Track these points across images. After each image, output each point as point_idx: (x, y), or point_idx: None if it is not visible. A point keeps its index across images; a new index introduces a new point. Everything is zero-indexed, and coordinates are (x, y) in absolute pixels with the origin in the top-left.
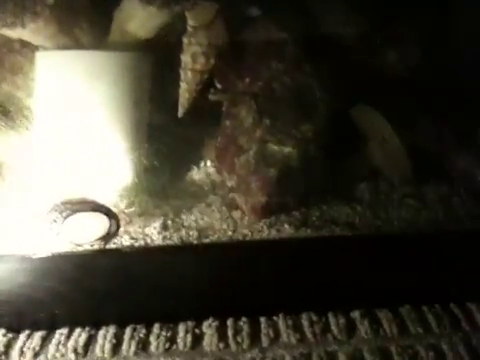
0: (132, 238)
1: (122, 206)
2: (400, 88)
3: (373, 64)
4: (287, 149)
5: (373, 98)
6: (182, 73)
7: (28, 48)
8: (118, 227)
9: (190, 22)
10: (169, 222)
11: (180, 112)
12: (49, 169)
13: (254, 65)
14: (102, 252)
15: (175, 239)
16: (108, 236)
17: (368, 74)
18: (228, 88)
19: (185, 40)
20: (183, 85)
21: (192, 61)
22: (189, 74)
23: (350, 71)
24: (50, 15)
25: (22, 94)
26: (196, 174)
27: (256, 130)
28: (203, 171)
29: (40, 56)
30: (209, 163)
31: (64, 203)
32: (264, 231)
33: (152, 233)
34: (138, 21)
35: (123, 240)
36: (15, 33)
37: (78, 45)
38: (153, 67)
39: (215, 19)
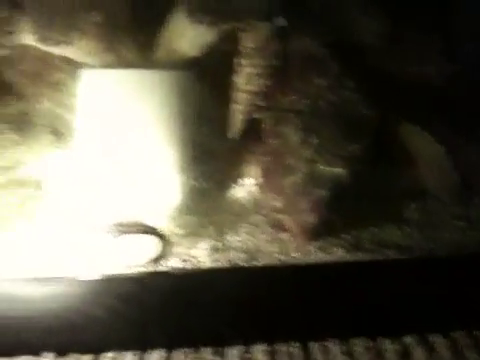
0: (180, 260)
1: (170, 227)
2: (441, 103)
3: (413, 77)
4: (337, 169)
5: (416, 114)
6: (235, 94)
7: (70, 64)
8: (168, 249)
9: (245, 43)
10: (216, 243)
11: (233, 133)
12: (96, 190)
13: (297, 81)
14: (151, 275)
15: (223, 261)
16: (158, 258)
17: (409, 88)
18: (272, 105)
19: (239, 61)
20: (236, 106)
21: (246, 82)
22: (242, 95)
23: (391, 85)
24: (97, 33)
25: (63, 111)
26: (238, 192)
27: (303, 150)
28: (245, 189)
29: (84, 74)
30: (251, 181)
31: (114, 225)
32: (314, 254)
33: (200, 255)
34: (186, 39)
35: (171, 262)
36: (60, 50)
37: (123, 63)
38: (199, 86)
39: (271, 40)
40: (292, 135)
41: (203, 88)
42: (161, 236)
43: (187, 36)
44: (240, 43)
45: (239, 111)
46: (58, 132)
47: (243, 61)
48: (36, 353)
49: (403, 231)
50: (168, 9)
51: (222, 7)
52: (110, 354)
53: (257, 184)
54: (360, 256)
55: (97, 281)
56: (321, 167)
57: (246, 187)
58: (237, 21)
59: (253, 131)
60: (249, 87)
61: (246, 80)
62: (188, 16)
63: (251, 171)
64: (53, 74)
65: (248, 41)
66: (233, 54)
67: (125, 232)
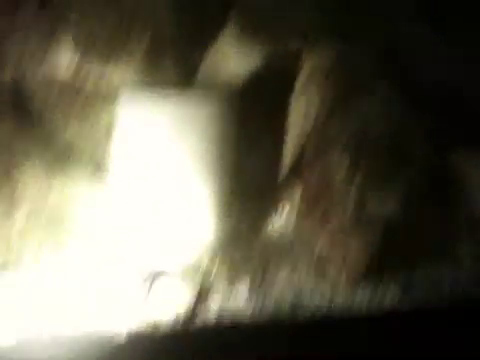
0: (218, 308)
1: (207, 269)
2: None
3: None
4: (389, 207)
5: (474, 142)
6: (289, 120)
7: (107, 87)
8: (205, 295)
9: (308, 63)
10: (255, 290)
11: (284, 163)
12: (129, 232)
13: (342, 106)
14: (184, 332)
15: (265, 312)
16: (194, 306)
17: (464, 113)
18: (318, 133)
19: (298, 84)
20: (290, 133)
21: (305, 107)
22: (298, 121)
23: (444, 109)
24: (139, 53)
25: (97, 142)
26: (276, 222)
27: (351, 184)
28: (283, 219)
29: (123, 98)
30: (289, 209)
31: (149, 272)
32: (365, 301)
33: (239, 299)
34: (234, 60)
35: (209, 307)
36: (100, 69)
37: (164, 85)
38: (245, 111)
39: (338, 62)
40: (337, 165)
41: (249, 113)
42: (197, 282)
43: (235, 56)
44: (301, 63)
45: (293, 138)
46: (92, 164)
47: (303, 85)
48: None
49: (458, 270)
50: (217, 27)
51: (276, 26)
52: None
53: (295, 212)
54: (415, 302)
55: (125, 340)
56: (373, 206)
57: (282, 215)
58: (294, 41)
59: (297, 161)
60: (308, 113)
61: (306, 105)
62: (239, 34)
63: (293, 205)
64: (86, 102)
65: (311, 61)
66: (288, 76)
67: (160, 275)
